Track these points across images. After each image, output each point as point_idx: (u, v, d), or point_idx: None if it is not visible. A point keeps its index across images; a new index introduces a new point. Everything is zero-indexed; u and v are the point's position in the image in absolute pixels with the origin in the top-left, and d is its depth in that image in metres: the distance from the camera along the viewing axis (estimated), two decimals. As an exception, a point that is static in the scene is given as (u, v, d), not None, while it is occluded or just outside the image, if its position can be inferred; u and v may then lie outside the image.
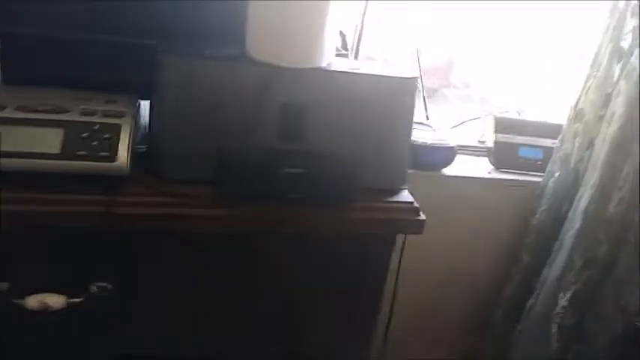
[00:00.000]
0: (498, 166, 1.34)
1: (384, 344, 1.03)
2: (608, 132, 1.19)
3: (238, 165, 0.79)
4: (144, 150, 0.83)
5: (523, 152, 1.34)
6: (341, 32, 1.05)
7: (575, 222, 1.24)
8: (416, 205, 0.84)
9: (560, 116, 1.34)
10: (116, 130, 0.75)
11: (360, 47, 1.18)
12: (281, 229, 0.81)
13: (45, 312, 0.76)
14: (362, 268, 0.87)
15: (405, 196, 0.86)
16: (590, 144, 1.25)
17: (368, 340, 0.92)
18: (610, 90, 1.20)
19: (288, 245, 0.83)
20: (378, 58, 1.38)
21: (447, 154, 1.25)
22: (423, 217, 0.83)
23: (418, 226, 0.83)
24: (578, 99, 1.25)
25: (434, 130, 1.29)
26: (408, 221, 0.83)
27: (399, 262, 0.90)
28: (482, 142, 1.40)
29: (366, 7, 1.16)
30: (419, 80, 0.86)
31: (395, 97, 0.84)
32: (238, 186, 0.79)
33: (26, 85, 0.82)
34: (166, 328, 0.85)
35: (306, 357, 0.93)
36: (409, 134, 0.88)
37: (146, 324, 0.84)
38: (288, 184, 0.79)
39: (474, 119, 1.43)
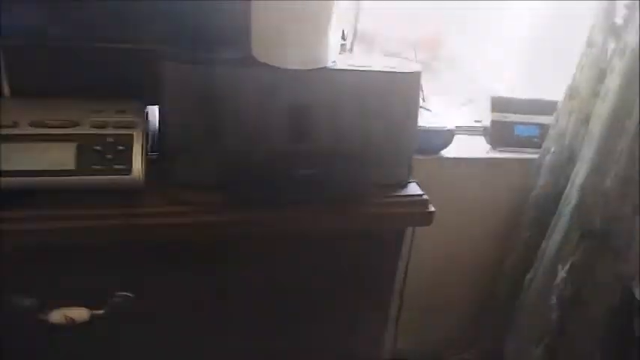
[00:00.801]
0: (495, 145, 1.36)
1: (395, 333, 1.07)
2: (603, 108, 1.21)
3: (247, 169, 0.80)
4: (155, 157, 0.84)
5: (519, 130, 1.36)
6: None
7: (572, 196, 1.27)
8: (425, 197, 0.86)
9: (551, 94, 1.36)
10: (129, 141, 0.76)
11: (355, 39, 1.18)
12: (293, 229, 0.83)
13: (69, 326, 0.77)
14: (373, 263, 0.89)
15: (414, 189, 0.88)
16: (586, 120, 1.27)
17: (380, 338, 0.95)
18: (604, 66, 1.22)
19: (301, 245, 0.85)
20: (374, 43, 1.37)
21: (446, 137, 1.27)
22: (432, 209, 0.85)
23: (428, 218, 0.85)
24: (574, 76, 1.27)
25: (431, 111, 1.30)
26: (418, 214, 0.85)
27: (409, 254, 0.92)
28: (479, 122, 1.42)
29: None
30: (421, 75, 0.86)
31: (400, 92, 0.85)
32: (248, 190, 0.80)
33: (33, 96, 0.82)
34: (186, 331, 0.87)
35: (318, 351, 0.96)
36: (415, 127, 0.90)
37: (165, 331, 0.86)
38: (297, 185, 0.80)
39: (469, 101, 1.45)
